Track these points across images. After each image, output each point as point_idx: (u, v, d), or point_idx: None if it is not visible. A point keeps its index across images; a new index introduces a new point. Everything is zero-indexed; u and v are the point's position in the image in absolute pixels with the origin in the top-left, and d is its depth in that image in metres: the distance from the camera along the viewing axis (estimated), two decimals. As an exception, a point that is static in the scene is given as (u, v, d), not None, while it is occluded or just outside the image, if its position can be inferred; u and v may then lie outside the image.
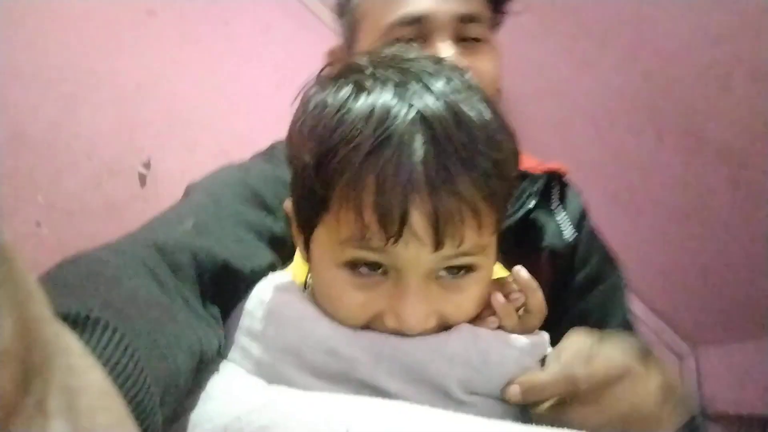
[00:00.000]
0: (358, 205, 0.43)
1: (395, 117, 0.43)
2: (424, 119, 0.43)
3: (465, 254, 0.46)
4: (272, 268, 0.58)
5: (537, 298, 0.52)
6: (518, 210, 0.75)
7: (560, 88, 1.21)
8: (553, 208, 0.78)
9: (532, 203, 0.75)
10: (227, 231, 0.55)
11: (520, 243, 0.75)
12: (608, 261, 0.76)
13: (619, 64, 1.15)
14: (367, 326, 0.48)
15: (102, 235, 0.50)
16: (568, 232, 0.76)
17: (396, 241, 0.43)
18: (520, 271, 0.52)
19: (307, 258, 0.52)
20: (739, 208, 1.09)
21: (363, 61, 0.49)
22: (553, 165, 0.81)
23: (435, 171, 0.42)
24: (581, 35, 1.16)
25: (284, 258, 0.61)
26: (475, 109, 0.45)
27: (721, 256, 1.13)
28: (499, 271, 0.59)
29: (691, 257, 1.16)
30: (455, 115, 0.44)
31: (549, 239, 0.75)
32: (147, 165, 1.25)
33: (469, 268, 0.47)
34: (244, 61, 1.44)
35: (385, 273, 0.46)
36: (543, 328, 0.73)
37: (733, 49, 1.03)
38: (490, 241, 0.48)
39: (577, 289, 0.75)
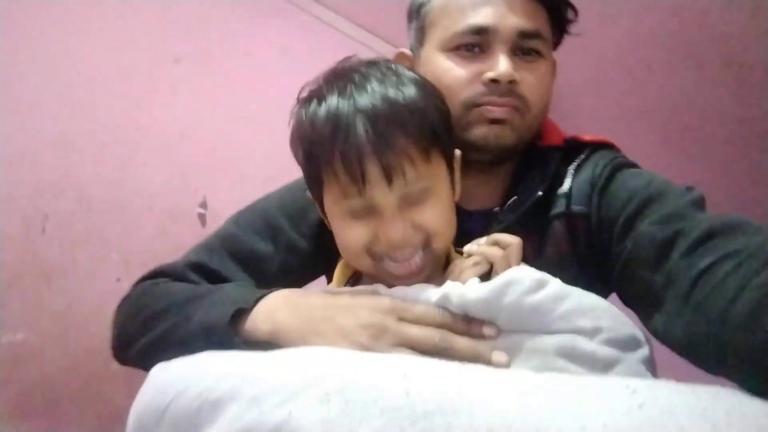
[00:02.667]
0: (335, 175, 0.64)
1: (341, 113, 0.64)
2: (360, 109, 0.63)
3: (416, 181, 0.64)
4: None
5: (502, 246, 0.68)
6: (531, 194, 0.79)
7: (589, 42, 1.19)
8: (562, 178, 0.80)
9: (540, 191, 0.79)
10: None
11: (541, 212, 0.79)
12: (651, 200, 0.70)
13: (645, 8, 1.12)
14: (369, 258, 0.67)
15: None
16: (561, 203, 0.79)
17: (363, 190, 0.63)
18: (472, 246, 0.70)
19: (329, 222, 0.71)
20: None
21: (320, 80, 0.69)
22: (590, 137, 0.82)
23: (375, 139, 0.62)
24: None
25: (264, 279, 0.80)
26: (400, 92, 0.65)
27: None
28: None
29: (753, 184, 1.12)
30: (383, 99, 0.64)
31: (556, 208, 0.79)
32: (204, 205, 1.30)
33: (425, 191, 0.66)
34: (270, 86, 1.48)
35: (371, 212, 0.66)
36: (606, 287, 0.75)
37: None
38: (436, 169, 0.67)
39: (617, 238, 0.71)
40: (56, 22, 1.25)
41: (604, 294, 0.77)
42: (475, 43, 0.78)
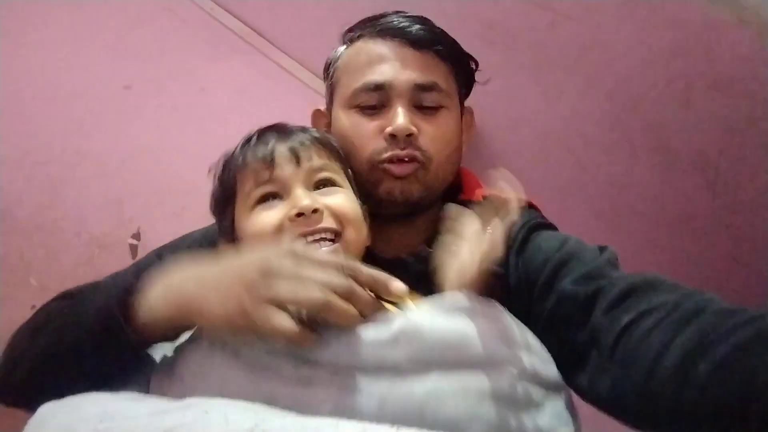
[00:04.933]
0: (247, 168, 0.73)
1: (251, 135, 0.77)
2: (271, 127, 0.78)
3: (321, 169, 0.73)
4: None
5: None
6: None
7: (531, 118, 1.26)
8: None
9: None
10: None
11: None
12: (568, 260, 0.73)
13: (584, 89, 1.20)
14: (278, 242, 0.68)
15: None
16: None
17: (273, 172, 0.71)
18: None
19: (236, 237, 0.75)
20: (719, 213, 1.13)
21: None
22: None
23: (284, 136, 0.74)
24: (545, 68, 1.21)
25: None
26: (299, 126, 0.79)
27: (706, 262, 1.15)
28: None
29: (678, 265, 1.19)
30: (288, 126, 0.78)
31: None
32: (137, 236, 1.26)
33: (333, 182, 0.74)
34: (223, 124, 1.47)
35: (280, 198, 0.72)
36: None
37: (688, 64, 1.08)
38: (340, 173, 0.76)
39: (537, 300, 0.73)
40: (2, 34, 1.21)
41: None
42: (374, 100, 0.82)
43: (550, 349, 0.72)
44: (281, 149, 0.73)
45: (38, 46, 1.26)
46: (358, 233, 0.73)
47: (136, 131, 1.34)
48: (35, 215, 1.15)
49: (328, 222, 0.70)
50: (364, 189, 0.81)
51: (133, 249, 1.25)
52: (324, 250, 0.67)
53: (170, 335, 0.63)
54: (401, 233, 0.86)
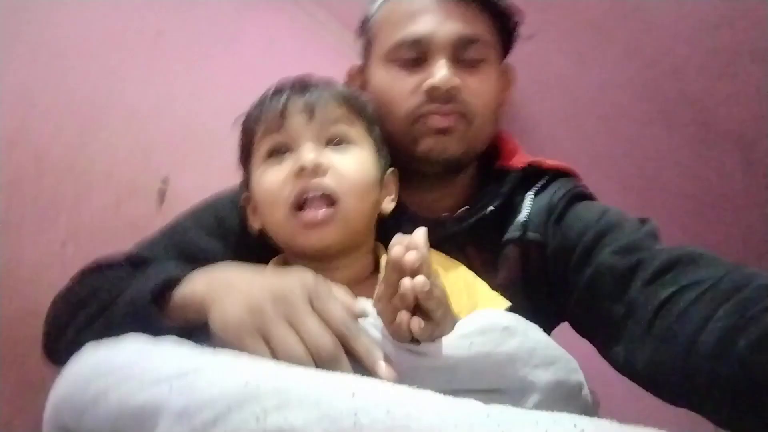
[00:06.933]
0: (262, 117, 0.72)
1: (271, 87, 0.74)
2: (293, 80, 0.74)
3: (335, 124, 0.71)
4: None
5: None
6: (482, 208, 0.79)
7: (566, 83, 1.23)
8: (519, 203, 0.81)
9: (492, 206, 0.79)
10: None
11: (497, 233, 0.80)
12: (608, 230, 0.71)
13: (622, 56, 1.16)
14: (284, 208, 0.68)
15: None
16: (516, 229, 0.79)
17: (283, 122, 0.70)
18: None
19: (251, 193, 0.75)
20: (753, 190, 1.10)
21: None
22: (552, 163, 0.83)
23: (301, 88, 0.72)
24: (581, 30, 1.17)
25: None
26: (324, 80, 0.76)
27: (738, 240, 1.13)
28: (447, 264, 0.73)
29: (708, 242, 1.17)
30: (310, 79, 0.75)
31: (510, 233, 0.79)
32: (165, 183, 1.27)
33: (345, 140, 0.71)
34: (252, 75, 1.47)
35: (289, 152, 0.70)
36: (558, 316, 0.74)
37: (734, 34, 1.04)
38: (358, 130, 0.73)
39: (574, 268, 0.72)
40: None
41: (550, 322, 0.79)
42: (415, 53, 0.78)
43: (585, 319, 0.71)
44: (295, 101, 0.70)
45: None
46: (361, 200, 0.69)
47: (167, 79, 1.34)
48: (67, 157, 1.17)
49: (330, 180, 0.67)
50: (401, 147, 0.78)
51: (161, 193, 1.27)
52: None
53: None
54: (438, 194, 0.84)
